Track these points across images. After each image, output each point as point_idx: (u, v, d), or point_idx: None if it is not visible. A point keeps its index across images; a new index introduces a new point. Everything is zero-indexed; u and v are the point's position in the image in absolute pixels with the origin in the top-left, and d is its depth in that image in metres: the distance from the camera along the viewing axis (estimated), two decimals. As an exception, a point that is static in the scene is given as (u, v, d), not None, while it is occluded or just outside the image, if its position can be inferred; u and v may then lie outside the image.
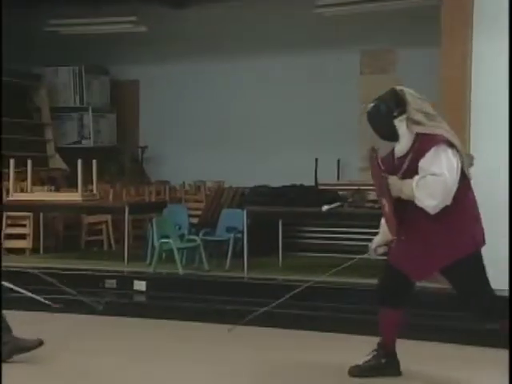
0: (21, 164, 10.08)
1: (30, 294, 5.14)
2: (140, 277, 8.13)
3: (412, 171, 4.52)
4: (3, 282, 5.17)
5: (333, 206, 8.16)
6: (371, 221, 5.68)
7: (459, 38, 7.35)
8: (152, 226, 8.65)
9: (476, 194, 4.66)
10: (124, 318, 7.01)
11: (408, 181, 4.51)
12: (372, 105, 4.68)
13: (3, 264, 5.61)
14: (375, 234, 4.97)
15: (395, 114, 4.59)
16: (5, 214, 9.46)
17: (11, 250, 9.34)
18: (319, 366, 5.30)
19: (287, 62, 12.05)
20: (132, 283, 8.04)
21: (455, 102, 7.31)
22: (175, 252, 8.28)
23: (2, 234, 9.48)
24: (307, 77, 11.98)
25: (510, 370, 4.29)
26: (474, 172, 4.67)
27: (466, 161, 4.56)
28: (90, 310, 7.04)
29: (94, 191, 9.80)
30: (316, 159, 11.67)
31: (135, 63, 12.95)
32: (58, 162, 12.68)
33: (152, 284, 8.02)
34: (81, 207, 9.57)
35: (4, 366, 4.84)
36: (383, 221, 4.80)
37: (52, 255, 9.78)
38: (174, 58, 12.55)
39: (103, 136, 13.30)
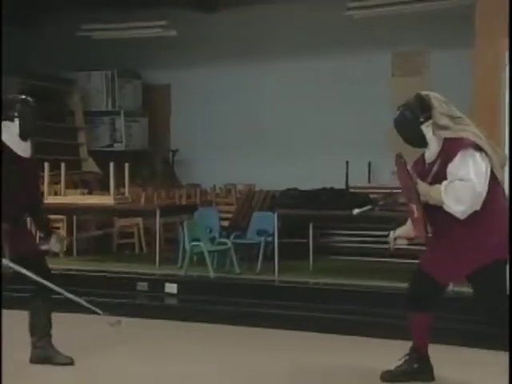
0: (55, 167, 10.23)
1: (77, 300, 5.13)
2: (171, 280, 8.18)
3: (441, 176, 4.49)
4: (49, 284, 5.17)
5: (364, 209, 8.13)
6: (402, 224, 5.64)
7: (494, 39, 7.29)
8: (183, 229, 8.69)
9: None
10: (155, 320, 7.05)
11: (436, 186, 4.48)
12: (398, 112, 4.64)
13: (51, 266, 5.57)
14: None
15: (421, 119, 4.55)
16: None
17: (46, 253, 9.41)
18: (344, 370, 5.30)
19: (317, 64, 12.00)
20: (163, 286, 8.09)
21: (489, 104, 7.27)
22: (206, 255, 8.31)
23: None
24: (337, 79, 11.92)
25: (511, 369, 4.22)
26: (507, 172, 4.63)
27: (499, 161, 4.50)
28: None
29: (126, 194, 9.90)
30: (347, 162, 11.63)
31: (166, 67, 13.02)
32: (90, 166, 12.81)
33: (183, 287, 8.06)
34: (113, 210, 9.65)
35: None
36: (410, 220, 4.79)
37: (85, 258, 9.88)
38: (204, 61, 12.60)
39: (135, 139, 13.40)
